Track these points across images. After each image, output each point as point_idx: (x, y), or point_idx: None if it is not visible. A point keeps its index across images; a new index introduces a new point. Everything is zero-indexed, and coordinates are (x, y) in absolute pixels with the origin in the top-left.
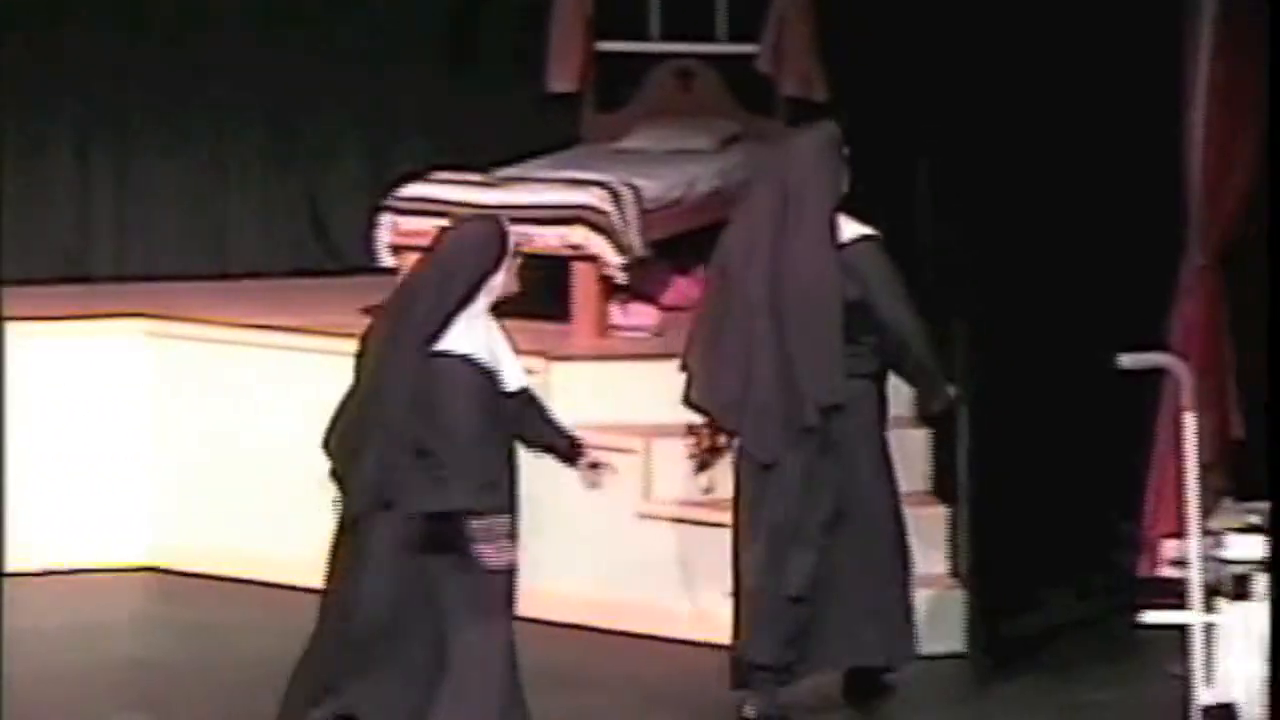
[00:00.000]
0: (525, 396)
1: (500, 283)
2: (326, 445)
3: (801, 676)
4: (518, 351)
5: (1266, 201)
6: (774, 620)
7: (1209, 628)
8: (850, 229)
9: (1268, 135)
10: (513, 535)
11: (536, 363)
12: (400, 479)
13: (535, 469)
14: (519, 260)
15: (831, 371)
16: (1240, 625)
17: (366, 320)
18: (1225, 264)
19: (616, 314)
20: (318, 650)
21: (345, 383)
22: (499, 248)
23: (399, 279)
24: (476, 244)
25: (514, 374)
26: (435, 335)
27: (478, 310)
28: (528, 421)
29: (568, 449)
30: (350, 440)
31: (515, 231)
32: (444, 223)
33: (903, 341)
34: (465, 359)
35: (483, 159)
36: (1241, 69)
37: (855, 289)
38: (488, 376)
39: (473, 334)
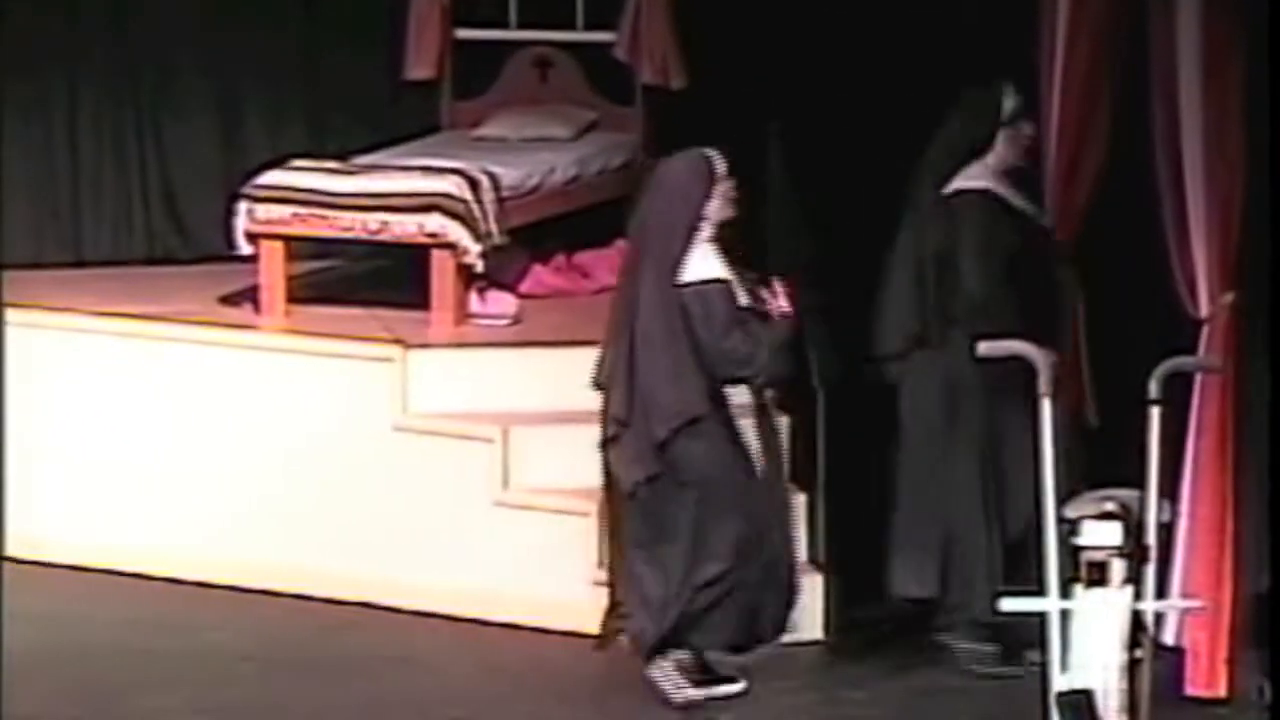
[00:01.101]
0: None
1: (716, 209)
2: (598, 383)
3: None
4: (371, 339)
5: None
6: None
7: (1065, 614)
8: (963, 181)
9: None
10: None
11: (394, 350)
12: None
13: (391, 460)
14: (732, 185)
15: (889, 319)
16: (1097, 612)
17: (223, 309)
18: (1079, 251)
19: (474, 302)
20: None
21: (202, 370)
22: (708, 179)
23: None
24: (686, 180)
25: (740, 294)
26: (676, 269)
27: (705, 237)
28: None
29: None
30: (620, 375)
31: (374, 219)
32: (300, 210)
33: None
34: (710, 282)
35: (341, 146)
36: (1094, 56)
37: (948, 241)
38: (730, 295)
39: (709, 260)
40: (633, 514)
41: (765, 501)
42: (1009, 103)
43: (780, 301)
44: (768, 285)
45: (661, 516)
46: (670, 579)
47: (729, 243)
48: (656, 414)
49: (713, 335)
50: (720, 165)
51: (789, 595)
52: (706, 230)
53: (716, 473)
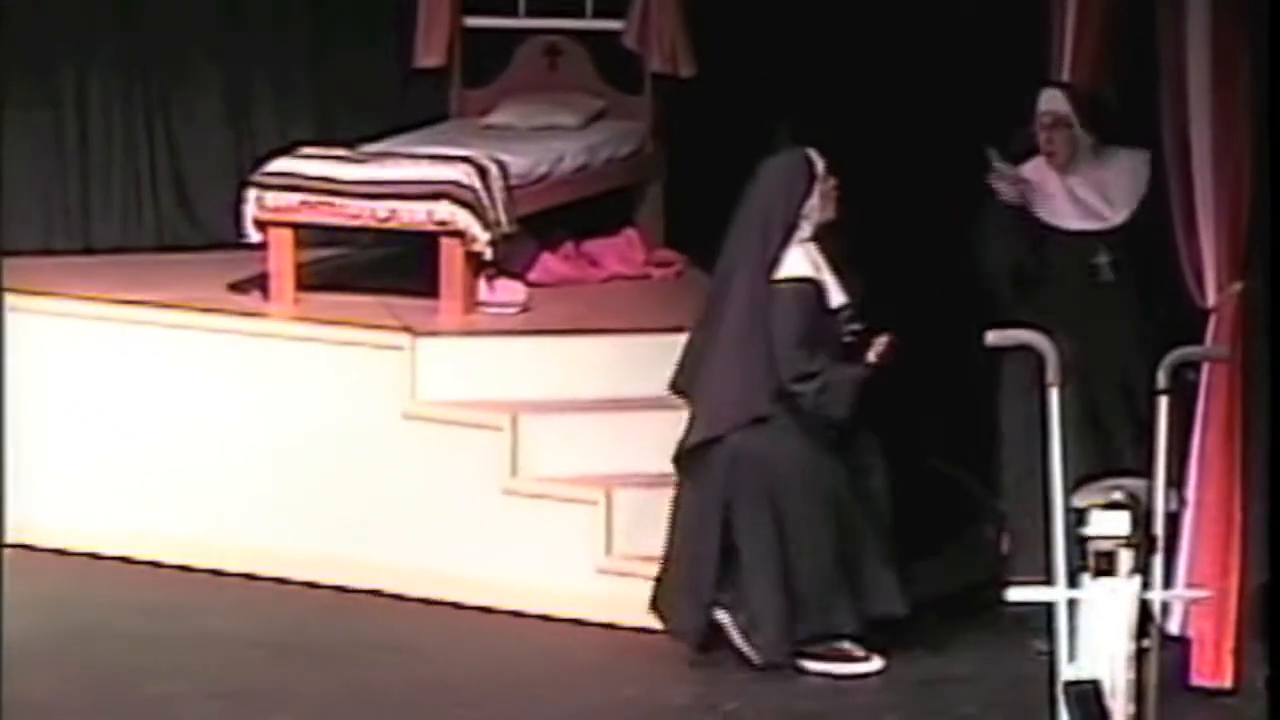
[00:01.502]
0: (845, 315)
1: (816, 207)
2: (675, 385)
3: None
4: (380, 327)
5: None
6: None
7: (1073, 604)
8: None
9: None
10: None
11: (403, 338)
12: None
13: (399, 447)
14: (833, 184)
15: None
16: (1105, 601)
17: (232, 296)
18: None
19: (483, 290)
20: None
21: (211, 357)
22: (807, 177)
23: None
24: (785, 178)
25: (836, 294)
26: (772, 267)
27: (804, 236)
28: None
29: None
30: (696, 370)
31: (383, 207)
32: (309, 198)
33: None
34: (799, 281)
35: (350, 134)
36: (1102, 50)
37: None
38: (818, 295)
39: (804, 259)
40: (699, 501)
41: (845, 498)
42: (1040, 104)
43: (872, 351)
44: (872, 333)
45: (739, 516)
46: (759, 577)
47: (830, 244)
48: (723, 410)
49: (782, 337)
50: (820, 164)
51: (879, 586)
52: (805, 229)
53: (788, 470)
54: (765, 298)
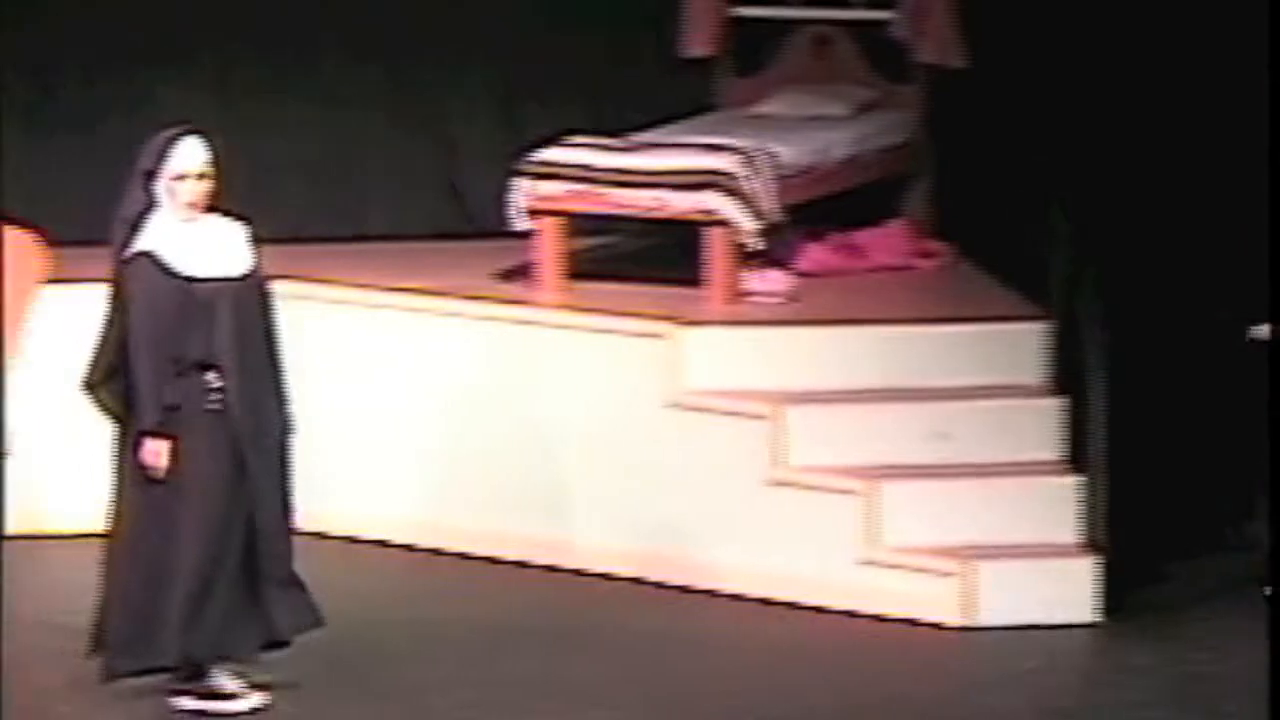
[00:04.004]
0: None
1: (167, 190)
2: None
3: None
4: (645, 316)
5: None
6: None
7: None
8: None
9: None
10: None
11: (666, 327)
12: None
13: (663, 436)
14: (198, 175)
15: None
16: None
17: (500, 284)
18: None
19: (750, 280)
20: None
21: (476, 344)
22: (157, 153)
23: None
24: (143, 150)
25: (199, 263)
26: (126, 243)
27: (166, 214)
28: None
29: None
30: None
31: (650, 196)
32: (577, 187)
33: None
34: (139, 256)
35: (618, 124)
36: None
37: None
38: (157, 265)
39: (153, 233)
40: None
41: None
42: None
43: None
44: None
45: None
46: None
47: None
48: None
49: (131, 317)
50: (181, 151)
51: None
52: (164, 211)
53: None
54: (120, 278)
